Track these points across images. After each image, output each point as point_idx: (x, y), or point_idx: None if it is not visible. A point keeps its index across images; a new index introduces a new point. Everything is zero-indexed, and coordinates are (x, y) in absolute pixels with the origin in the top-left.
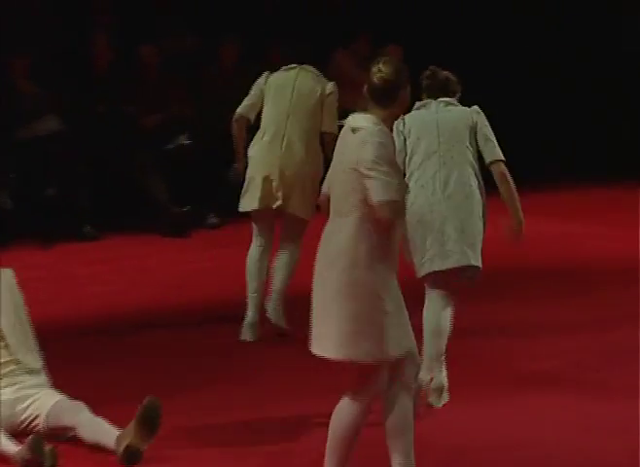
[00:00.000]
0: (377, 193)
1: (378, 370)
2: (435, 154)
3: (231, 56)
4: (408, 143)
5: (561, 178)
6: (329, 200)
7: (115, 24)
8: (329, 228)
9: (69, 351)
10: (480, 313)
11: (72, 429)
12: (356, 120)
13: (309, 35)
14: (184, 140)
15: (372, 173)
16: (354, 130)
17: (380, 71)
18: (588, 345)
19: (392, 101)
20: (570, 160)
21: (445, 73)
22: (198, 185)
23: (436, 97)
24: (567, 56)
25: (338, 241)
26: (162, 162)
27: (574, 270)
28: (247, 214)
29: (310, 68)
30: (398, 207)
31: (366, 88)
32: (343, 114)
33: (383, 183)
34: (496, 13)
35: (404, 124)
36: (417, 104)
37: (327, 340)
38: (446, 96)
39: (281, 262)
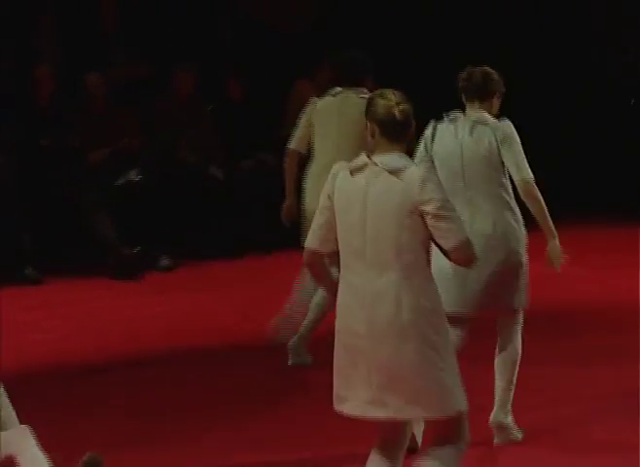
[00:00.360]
0: (457, 233)
1: (465, 417)
2: (460, 188)
3: (186, 86)
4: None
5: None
6: (322, 256)
7: (59, 52)
8: (369, 287)
9: (13, 401)
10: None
11: (12, 459)
12: (387, 161)
13: (269, 64)
14: (134, 176)
15: (445, 213)
16: (394, 172)
17: (400, 103)
18: (573, 396)
19: (409, 135)
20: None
21: (483, 72)
22: (150, 224)
23: (473, 100)
24: (564, 98)
25: (402, 297)
26: (111, 200)
27: (558, 314)
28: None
29: (356, 90)
30: (472, 244)
31: (379, 125)
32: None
33: (459, 223)
34: (466, 49)
35: (432, 139)
36: (447, 117)
37: (421, 400)
38: (484, 98)
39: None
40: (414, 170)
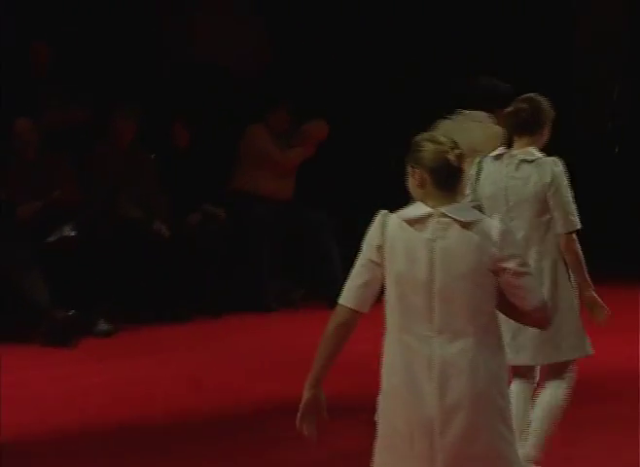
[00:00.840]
0: (537, 292)
1: None
2: None
3: (126, 134)
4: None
5: None
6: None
7: None
8: (439, 353)
9: None
10: None
11: None
12: (459, 212)
13: (217, 109)
14: (68, 231)
15: (526, 269)
16: (468, 225)
17: (454, 148)
18: None
19: (463, 183)
20: None
21: (531, 103)
22: (86, 285)
23: (522, 136)
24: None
25: (478, 364)
26: (42, 258)
27: None
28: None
29: (472, 116)
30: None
31: (431, 172)
32: (246, 196)
33: (536, 280)
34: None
35: (477, 178)
36: (493, 153)
37: None
38: (535, 131)
39: None
40: (491, 223)
